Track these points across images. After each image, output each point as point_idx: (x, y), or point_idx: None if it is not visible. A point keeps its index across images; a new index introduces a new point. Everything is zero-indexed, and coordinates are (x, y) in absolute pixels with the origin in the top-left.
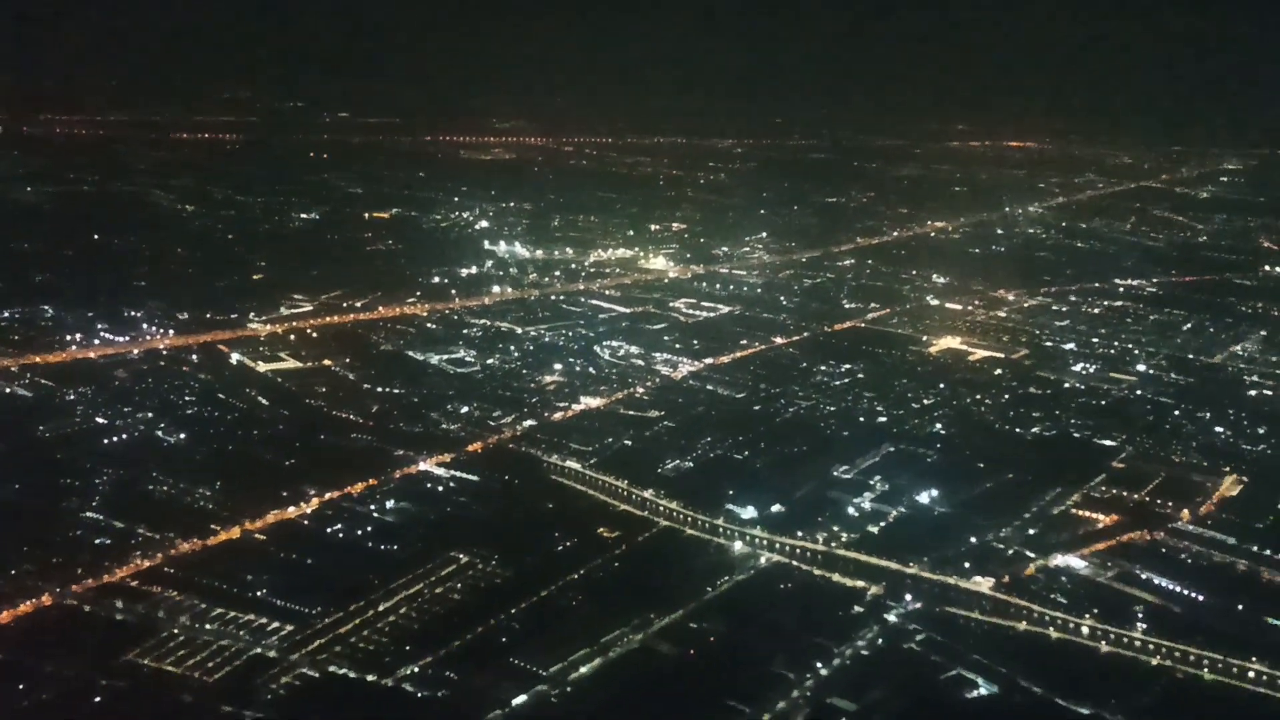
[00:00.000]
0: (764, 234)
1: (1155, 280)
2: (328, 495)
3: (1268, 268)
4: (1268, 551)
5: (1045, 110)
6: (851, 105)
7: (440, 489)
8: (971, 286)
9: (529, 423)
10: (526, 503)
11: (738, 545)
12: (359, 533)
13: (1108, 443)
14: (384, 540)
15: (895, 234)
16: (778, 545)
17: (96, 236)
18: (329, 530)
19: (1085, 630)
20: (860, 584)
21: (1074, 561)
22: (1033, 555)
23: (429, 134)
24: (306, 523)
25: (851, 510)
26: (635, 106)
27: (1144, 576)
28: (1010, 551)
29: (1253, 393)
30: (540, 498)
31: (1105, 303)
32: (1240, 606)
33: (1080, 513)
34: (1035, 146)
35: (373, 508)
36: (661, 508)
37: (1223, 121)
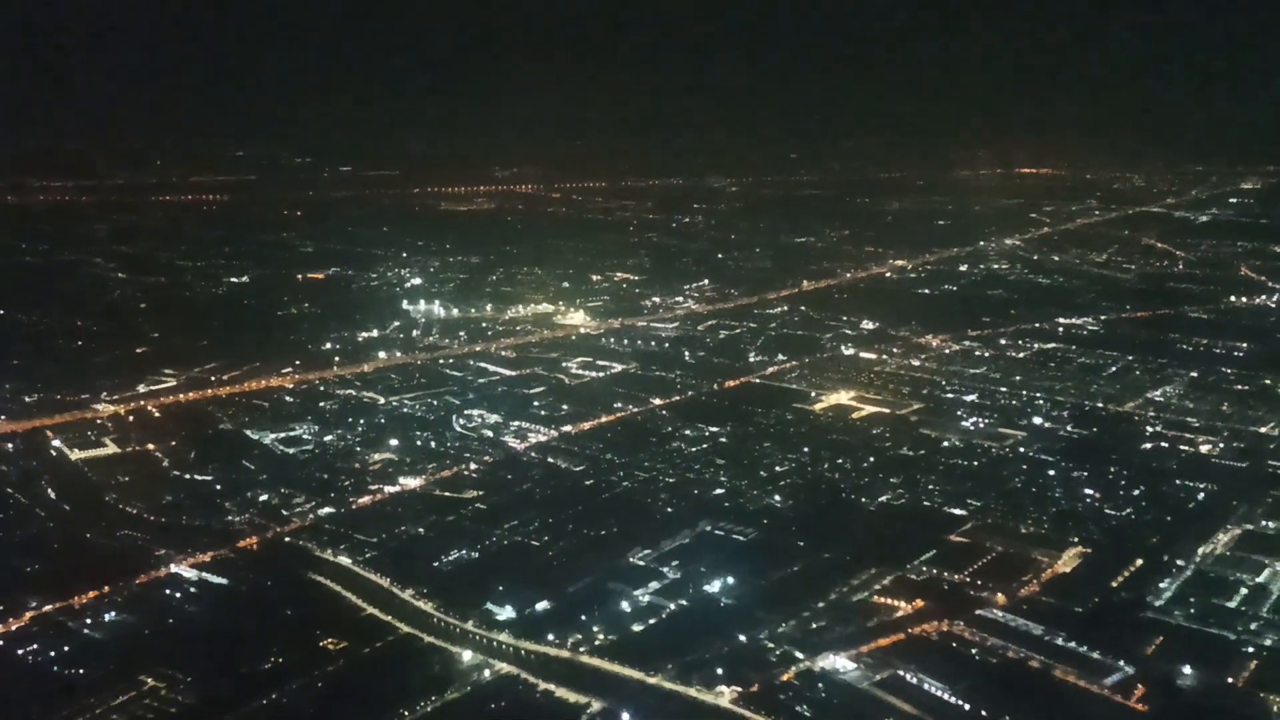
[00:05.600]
0: (706, 281)
1: (1102, 317)
2: (46, 608)
3: (1232, 299)
4: (1073, 644)
5: (1074, 134)
6: (874, 138)
7: (177, 596)
8: (898, 332)
9: (326, 510)
10: (264, 610)
11: (466, 655)
12: (52, 654)
13: (957, 511)
14: (76, 663)
15: (848, 275)
16: (521, 653)
17: (2, 312)
18: (20, 652)
19: None
20: (582, 700)
21: (843, 663)
22: (801, 656)
23: (419, 186)
24: (1, 643)
25: (625, 605)
26: (649, 147)
27: (914, 680)
28: (779, 652)
29: (1147, 445)
30: (284, 604)
31: (1036, 345)
32: (1007, 717)
33: (882, 600)
34: (1048, 173)
35: (87, 621)
36: (411, 610)
37: (1254, 138)
